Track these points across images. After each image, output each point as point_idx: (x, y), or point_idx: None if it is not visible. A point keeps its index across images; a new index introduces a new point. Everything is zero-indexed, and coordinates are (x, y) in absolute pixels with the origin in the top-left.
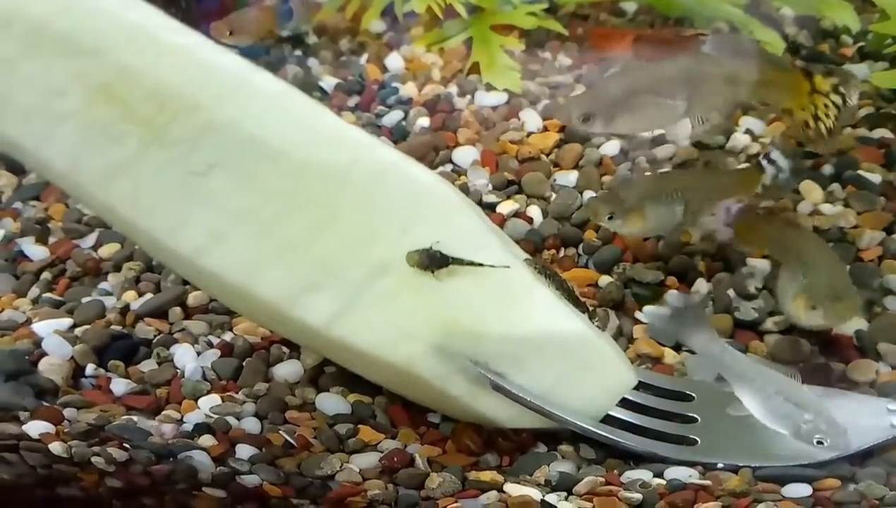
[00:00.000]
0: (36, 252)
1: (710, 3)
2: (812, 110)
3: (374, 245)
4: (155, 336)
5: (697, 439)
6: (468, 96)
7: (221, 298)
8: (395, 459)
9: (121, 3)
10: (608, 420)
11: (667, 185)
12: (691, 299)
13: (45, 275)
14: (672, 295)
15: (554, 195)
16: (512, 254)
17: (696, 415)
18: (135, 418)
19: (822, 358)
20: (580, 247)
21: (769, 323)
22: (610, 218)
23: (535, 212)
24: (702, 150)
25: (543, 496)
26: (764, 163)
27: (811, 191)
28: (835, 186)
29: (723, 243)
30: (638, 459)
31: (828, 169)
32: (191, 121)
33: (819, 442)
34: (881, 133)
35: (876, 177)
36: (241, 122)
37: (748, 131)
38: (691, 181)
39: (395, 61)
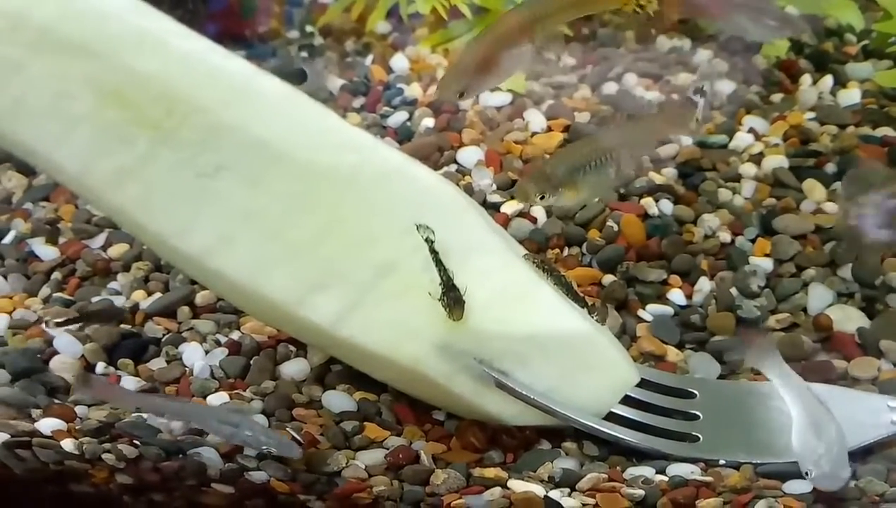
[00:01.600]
0: (46, 252)
1: None
2: (634, 3)
3: (379, 245)
4: (164, 334)
5: (699, 436)
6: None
7: (229, 298)
8: (401, 456)
9: (128, 8)
10: (611, 417)
11: (594, 150)
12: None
13: (56, 275)
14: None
15: None
16: (515, 253)
17: (698, 412)
18: (144, 415)
19: (824, 355)
20: (584, 246)
21: (772, 321)
22: (542, 197)
23: (538, 211)
24: (704, 149)
25: (547, 492)
26: (695, 97)
27: (814, 189)
28: (837, 185)
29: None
30: (641, 456)
31: (831, 167)
32: (199, 123)
33: (806, 473)
34: (884, 131)
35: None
36: (247, 125)
37: (751, 130)
38: (619, 138)
39: (400, 62)
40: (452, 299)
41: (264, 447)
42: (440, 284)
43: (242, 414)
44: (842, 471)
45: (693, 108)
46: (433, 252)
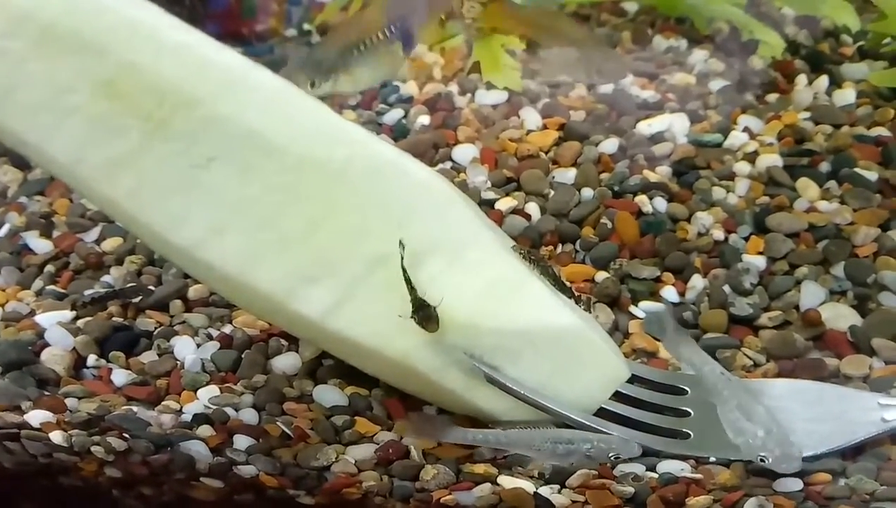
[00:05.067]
0: (40, 245)
1: (712, 3)
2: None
3: (370, 239)
4: (156, 328)
5: (690, 433)
6: (468, 95)
7: (220, 290)
8: (391, 451)
9: (123, 1)
10: (602, 413)
11: (367, 27)
12: (665, 313)
13: (49, 268)
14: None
15: (552, 192)
16: (507, 249)
17: (689, 409)
18: (134, 408)
19: (817, 353)
20: (577, 243)
21: (764, 319)
22: (312, 85)
23: (533, 208)
24: (699, 148)
25: (537, 488)
26: None
27: (807, 188)
28: (831, 183)
29: None
30: None
31: (825, 166)
32: (191, 115)
33: (762, 459)
34: (878, 131)
35: (872, 175)
36: (239, 117)
37: (746, 129)
38: (393, 9)
39: None
40: (423, 317)
41: (611, 454)
42: (410, 301)
43: (572, 429)
44: (792, 449)
45: None
46: (403, 269)
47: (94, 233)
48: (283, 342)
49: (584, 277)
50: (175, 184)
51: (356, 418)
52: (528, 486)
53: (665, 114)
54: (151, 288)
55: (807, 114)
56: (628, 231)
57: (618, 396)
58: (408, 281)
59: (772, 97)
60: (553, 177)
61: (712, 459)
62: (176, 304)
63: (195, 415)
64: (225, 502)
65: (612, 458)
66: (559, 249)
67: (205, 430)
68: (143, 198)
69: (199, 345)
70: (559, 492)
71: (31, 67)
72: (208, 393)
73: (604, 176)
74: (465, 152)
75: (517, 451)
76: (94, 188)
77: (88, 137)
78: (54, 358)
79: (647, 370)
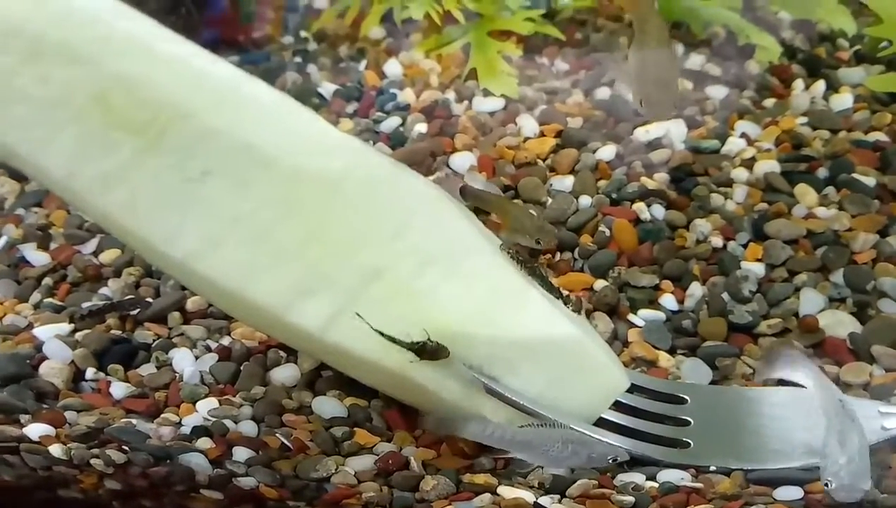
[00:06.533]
0: (37, 257)
1: (708, 8)
2: None
3: (366, 250)
4: (154, 340)
5: (690, 442)
6: (466, 102)
7: (217, 303)
8: (390, 462)
9: (115, 13)
10: (601, 423)
11: None
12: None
13: (47, 281)
14: None
15: (550, 200)
16: (505, 259)
17: (689, 418)
18: (133, 421)
19: (816, 360)
20: (576, 251)
21: (764, 326)
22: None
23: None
24: (697, 154)
25: (537, 498)
26: None
27: (805, 194)
28: (829, 189)
29: None
30: (631, 462)
31: (822, 172)
32: (185, 128)
33: (826, 484)
34: (876, 136)
35: (870, 181)
36: (234, 130)
37: (744, 135)
38: None
39: (393, 67)
40: (428, 355)
41: (609, 457)
42: (409, 350)
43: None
44: (862, 483)
45: None
46: (383, 334)
47: (91, 245)
48: (282, 353)
49: (583, 286)
50: (170, 197)
51: (355, 429)
52: (528, 496)
53: (662, 121)
54: (149, 300)
55: (804, 120)
56: (626, 238)
57: (617, 406)
58: (392, 339)
59: (769, 102)
60: (551, 185)
61: (712, 468)
62: (174, 316)
63: (194, 427)
64: None
65: (610, 461)
66: (557, 257)
67: (204, 442)
68: (137, 212)
69: (197, 357)
70: (559, 502)
71: (23, 81)
72: (207, 405)
73: (601, 183)
74: (462, 160)
75: (523, 453)
76: (88, 201)
77: (82, 151)
78: (53, 371)
79: (647, 379)
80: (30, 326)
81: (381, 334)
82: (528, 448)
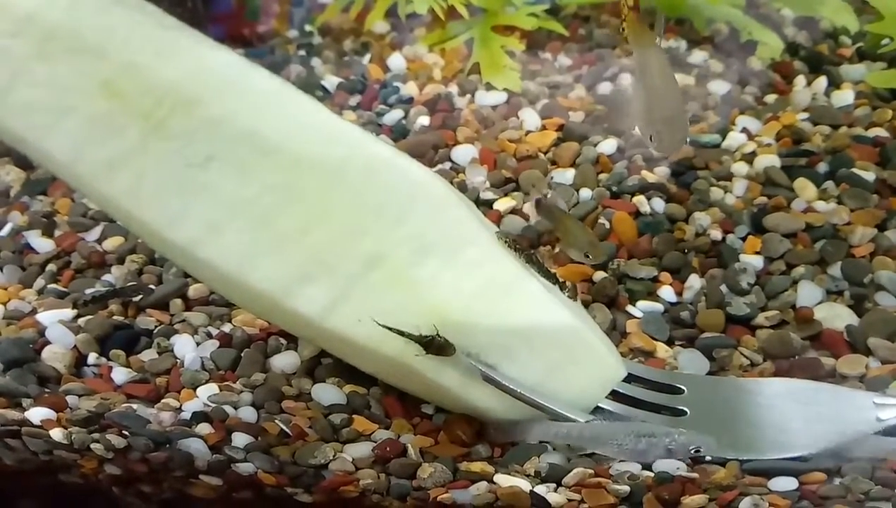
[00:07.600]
0: (42, 244)
1: (711, 5)
2: None
3: (367, 238)
4: (156, 326)
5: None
6: (468, 95)
7: (218, 289)
8: (388, 449)
9: (123, 2)
10: (598, 411)
11: None
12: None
13: (51, 267)
14: None
15: (551, 192)
16: (503, 248)
17: (685, 408)
18: (134, 406)
19: (813, 353)
20: None
21: (761, 318)
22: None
23: (531, 208)
24: (697, 148)
25: (533, 487)
26: None
27: (805, 188)
28: (829, 184)
29: None
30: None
31: (822, 167)
32: (189, 115)
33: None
34: (876, 132)
35: (870, 175)
36: (237, 117)
37: (744, 130)
38: None
39: (397, 61)
40: (435, 349)
41: (692, 448)
42: (416, 344)
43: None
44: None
45: None
46: (389, 328)
47: (95, 233)
48: (282, 341)
49: (582, 277)
50: (173, 182)
51: (354, 416)
52: (524, 485)
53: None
54: (152, 286)
55: (805, 115)
56: (626, 231)
57: (614, 395)
58: (401, 333)
59: (770, 98)
60: (552, 178)
61: (708, 458)
62: (176, 303)
63: (194, 413)
64: (223, 499)
65: (692, 452)
66: (557, 249)
67: (204, 428)
68: (141, 197)
69: (198, 344)
70: (555, 491)
71: (32, 67)
72: (207, 391)
73: (602, 176)
74: (464, 153)
75: (597, 448)
76: (92, 186)
77: (87, 136)
78: (55, 355)
79: (644, 369)
80: (33, 311)
81: (390, 329)
82: (600, 443)
